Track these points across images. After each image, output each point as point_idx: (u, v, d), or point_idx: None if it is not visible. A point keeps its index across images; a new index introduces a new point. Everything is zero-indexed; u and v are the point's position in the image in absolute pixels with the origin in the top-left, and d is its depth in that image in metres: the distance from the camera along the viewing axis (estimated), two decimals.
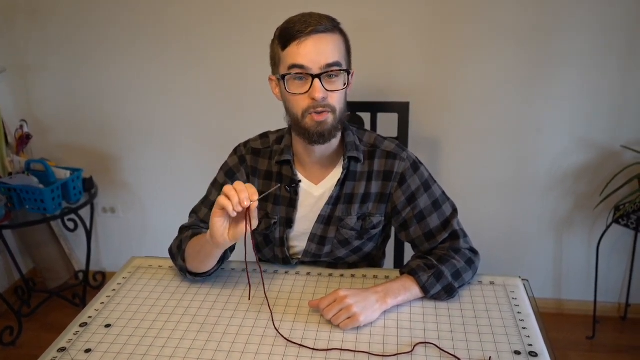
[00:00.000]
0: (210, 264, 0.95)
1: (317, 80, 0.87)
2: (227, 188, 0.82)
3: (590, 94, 1.65)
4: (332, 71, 0.88)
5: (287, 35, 0.88)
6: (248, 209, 0.82)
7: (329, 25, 0.88)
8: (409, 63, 1.71)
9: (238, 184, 0.82)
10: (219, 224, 0.84)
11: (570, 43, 1.60)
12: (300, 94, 0.90)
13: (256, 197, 0.82)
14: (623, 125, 1.68)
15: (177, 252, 1.00)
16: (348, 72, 0.91)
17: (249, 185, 0.83)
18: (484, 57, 1.65)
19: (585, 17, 1.56)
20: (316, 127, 0.91)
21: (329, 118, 0.91)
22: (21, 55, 1.93)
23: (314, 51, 0.87)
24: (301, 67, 0.87)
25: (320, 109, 0.89)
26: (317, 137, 0.92)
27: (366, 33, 1.67)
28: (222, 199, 0.82)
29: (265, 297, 0.92)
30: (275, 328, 0.85)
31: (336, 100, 0.91)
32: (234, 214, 0.82)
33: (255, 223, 0.84)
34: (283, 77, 0.90)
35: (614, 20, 1.55)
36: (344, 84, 0.91)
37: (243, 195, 0.81)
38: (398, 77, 1.73)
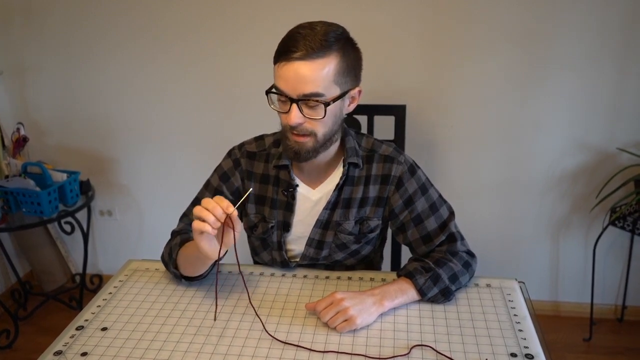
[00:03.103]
0: (204, 268, 0.95)
1: (294, 106, 0.86)
2: (198, 210, 0.80)
3: (587, 96, 1.66)
4: (308, 101, 0.85)
5: (278, 51, 0.87)
6: (230, 219, 0.81)
7: (321, 48, 0.83)
8: (406, 65, 1.71)
9: (208, 202, 0.81)
10: (206, 246, 0.83)
11: (566, 46, 1.61)
12: (282, 112, 0.89)
13: (232, 208, 0.81)
14: (619, 128, 1.68)
15: (169, 260, 1.00)
16: (327, 104, 0.86)
17: (219, 198, 0.81)
18: (480, 59, 1.66)
19: (581, 20, 1.57)
20: (294, 146, 0.91)
21: (309, 142, 0.90)
22: (18, 57, 1.92)
23: (294, 78, 0.84)
24: (280, 91, 0.86)
25: (295, 132, 0.89)
26: (293, 155, 0.92)
27: (363, 36, 1.65)
28: (197, 224, 0.80)
29: (250, 303, 0.91)
30: (266, 331, 0.85)
31: (316, 125, 0.88)
32: (215, 232, 0.81)
33: (239, 227, 0.83)
34: (267, 93, 0.89)
35: (610, 23, 1.56)
36: (324, 115, 0.86)
37: (218, 212, 0.80)
38: (395, 79, 1.73)
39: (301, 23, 0.88)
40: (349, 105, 0.94)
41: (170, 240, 1.04)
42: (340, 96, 0.89)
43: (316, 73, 0.84)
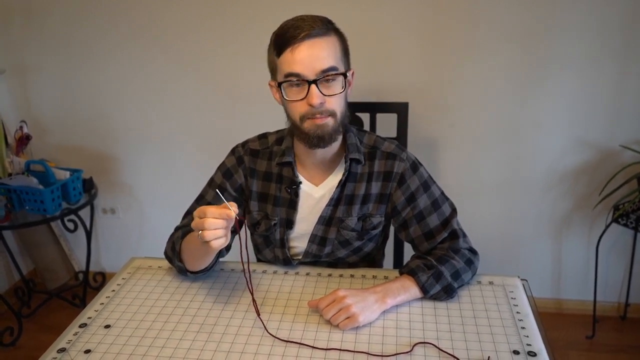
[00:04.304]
0: (208, 259, 0.95)
1: (313, 87, 0.87)
2: (205, 223, 0.78)
3: (587, 96, 1.65)
4: (328, 76, 0.87)
5: (280, 42, 0.88)
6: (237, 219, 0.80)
7: (322, 28, 0.87)
8: (408, 63, 1.71)
9: (210, 212, 0.79)
10: (222, 246, 0.82)
11: (567, 44, 1.60)
12: (298, 100, 0.90)
13: (234, 206, 0.80)
14: (622, 125, 1.68)
15: (172, 254, 1.00)
16: (345, 75, 0.90)
17: (212, 206, 0.80)
18: (482, 58, 1.66)
19: (581, 20, 1.56)
20: (316, 130, 0.90)
21: (329, 122, 0.91)
22: (18, 57, 1.93)
23: (308, 57, 0.86)
24: (297, 74, 0.87)
25: (318, 115, 0.89)
26: (317, 140, 0.91)
27: (365, 34, 1.67)
28: (210, 234, 0.78)
29: (253, 301, 0.90)
30: (267, 330, 0.86)
31: (335, 104, 0.90)
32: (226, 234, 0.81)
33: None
34: (280, 84, 0.90)
35: (610, 23, 1.56)
36: (342, 87, 0.90)
37: (223, 212, 0.78)
38: (397, 77, 1.73)
39: (286, 20, 0.90)
40: (348, 87, 0.96)
41: (172, 234, 1.04)
42: (347, 72, 0.92)
43: (328, 48, 0.88)
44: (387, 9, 1.64)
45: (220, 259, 1.06)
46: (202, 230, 0.79)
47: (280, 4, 1.68)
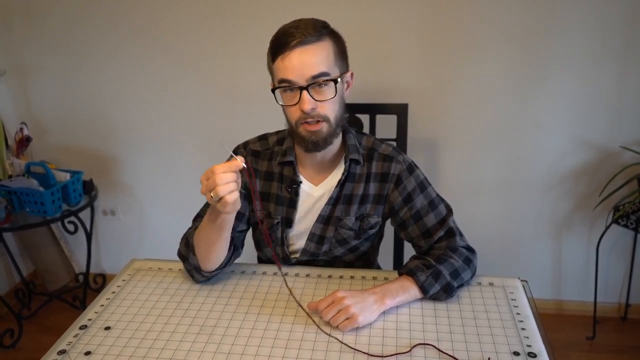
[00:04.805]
0: (222, 246, 0.94)
1: (304, 93, 0.88)
2: (215, 179, 0.79)
3: (587, 96, 1.65)
4: (319, 82, 0.88)
5: (273, 48, 0.90)
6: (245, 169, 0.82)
7: (315, 34, 0.87)
8: (408, 65, 1.71)
9: (217, 168, 0.80)
10: (236, 201, 0.82)
11: (567, 44, 1.60)
12: (291, 105, 0.91)
13: (241, 164, 0.81)
14: (622, 126, 1.68)
15: (187, 249, 0.98)
16: (336, 81, 0.89)
17: (218, 164, 0.81)
18: (482, 58, 1.66)
19: (582, 19, 1.56)
20: (310, 136, 0.92)
21: (323, 127, 0.91)
22: (18, 57, 1.93)
23: (299, 64, 0.87)
24: (288, 81, 0.88)
25: (310, 120, 0.90)
26: (311, 145, 0.93)
27: (365, 34, 1.67)
28: (224, 188, 0.78)
29: (289, 290, 0.92)
30: (297, 301, 0.86)
31: (328, 109, 0.91)
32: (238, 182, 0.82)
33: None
34: (273, 90, 0.92)
35: (610, 23, 1.56)
36: (335, 92, 0.90)
37: (231, 164, 0.80)
38: (396, 78, 1.73)
39: (283, 24, 0.91)
40: (346, 89, 0.97)
41: (184, 234, 1.03)
42: (342, 75, 0.92)
43: (319, 55, 0.88)
44: (387, 9, 1.64)
45: (235, 261, 1.05)
46: (214, 187, 0.79)
47: (280, 4, 1.68)
